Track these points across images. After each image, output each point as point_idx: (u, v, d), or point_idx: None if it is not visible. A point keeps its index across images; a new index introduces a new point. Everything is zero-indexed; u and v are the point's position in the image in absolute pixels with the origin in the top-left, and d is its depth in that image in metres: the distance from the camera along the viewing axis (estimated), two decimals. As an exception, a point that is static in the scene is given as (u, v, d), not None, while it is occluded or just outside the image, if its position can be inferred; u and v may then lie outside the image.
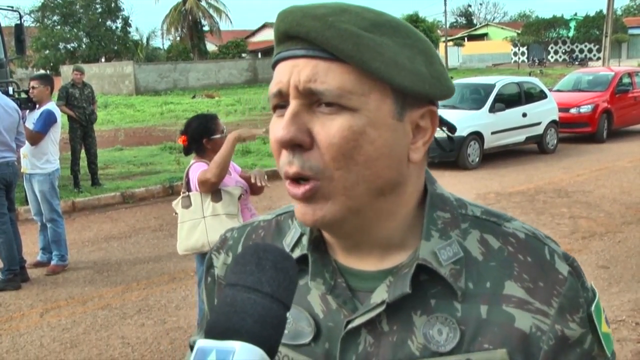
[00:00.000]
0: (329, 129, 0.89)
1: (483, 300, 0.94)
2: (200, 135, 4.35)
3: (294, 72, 0.90)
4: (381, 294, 0.95)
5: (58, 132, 7.42)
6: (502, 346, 0.92)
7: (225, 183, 4.33)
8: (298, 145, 0.90)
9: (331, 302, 0.99)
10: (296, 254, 1.03)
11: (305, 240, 1.03)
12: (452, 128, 1.09)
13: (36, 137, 7.10)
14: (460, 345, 0.93)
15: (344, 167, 0.89)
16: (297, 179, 0.92)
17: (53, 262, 7.27)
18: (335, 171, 0.90)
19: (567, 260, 0.97)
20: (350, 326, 0.95)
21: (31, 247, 7.86)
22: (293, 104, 0.90)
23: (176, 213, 4.47)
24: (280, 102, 0.93)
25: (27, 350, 5.29)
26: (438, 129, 1.03)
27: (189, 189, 4.37)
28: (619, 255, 7.21)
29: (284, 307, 0.79)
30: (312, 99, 0.90)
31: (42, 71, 41.97)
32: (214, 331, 0.76)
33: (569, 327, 0.93)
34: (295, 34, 0.90)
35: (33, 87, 7.35)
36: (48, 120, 7.17)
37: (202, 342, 0.75)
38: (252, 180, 4.35)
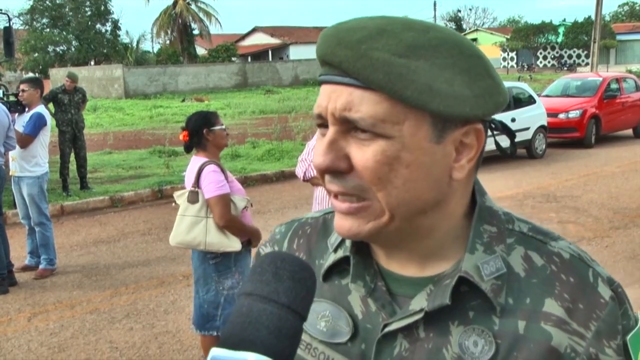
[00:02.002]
0: (364, 154, 0.90)
1: (522, 315, 0.94)
2: (200, 126, 4.32)
3: (331, 98, 0.92)
4: (420, 302, 0.96)
5: (47, 136, 7.39)
6: None
7: (233, 187, 4.33)
8: (336, 171, 0.92)
9: (371, 305, 1.00)
10: (339, 254, 1.05)
11: (348, 242, 1.04)
12: (511, 134, 1.09)
13: (26, 140, 7.07)
14: (494, 358, 0.93)
15: (383, 189, 0.91)
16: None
17: (41, 266, 7.23)
18: (377, 193, 0.91)
19: (612, 285, 0.97)
20: (387, 330, 0.97)
21: (19, 250, 7.83)
22: (331, 130, 0.93)
23: (176, 203, 4.44)
24: (322, 123, 0.95)
25: (15, 355, 5.26)
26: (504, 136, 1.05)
27: (198, 185, 4.31)
28: (606, 260, 7.23)
29: (300, 318, 0.78)
30: (348, 126, 0.91)
31: (31, 74, 41.80)
32: (228, 341, 0.75)
33: (605, 353, 0.93)
34: (330, 62, 0.92)
35: (23, 90, 7.32)
36: (38, 123, 7.14)
37: (216, 352, 0.75)
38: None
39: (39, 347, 5.38)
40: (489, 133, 1.02)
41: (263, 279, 0.79)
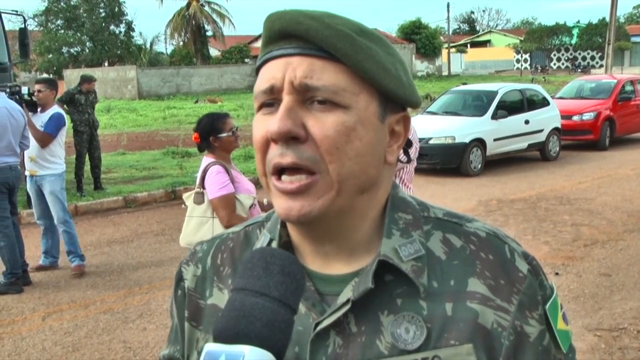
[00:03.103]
0: (324, 122, 0.92)
1: (448, 297, 0.97)
2: (208, 133, 4.39)
3: (288, 69, 0.93)
4: (347, 294, 0.97)
5: (64, 136, 7.47)
6: (468, 341, 0.95)
7: (240, 187, 4.36)
8: (293, 138, 0.92)
9: (300, 307, 0.99)
10: None
11: (274, 245, 1.04)
12: (407, 142, 1.11)
13: (47, 139, 7.17)
14: (427, 342, 0.95)
15: (337, 160, 0.92)
16: (281, 174, 0.94)
17: (75, 263, 7.27)
18: (330, 164, 0.92)
19: (527, 258, 1.01)
20: (319, 328, 0.97)
21: (33, 250, 7.87)
22: (287, 99, 0.93)
23: (185, 205, 4.50)
24: (269, 99, 0.95)
25: (29, 354, 5.29)
26: None
27: (203, 186, 4.37)
28: (620, 263, 7.20)
29: (291, 310, 0.80)
30: (305, 96, 0.93)
31: (45, 75, 42.00)
32: (222, 335, 0.77)
33: (528, 324, 0.97)
34: (293, 32, 0.93)
35: (39, 91, 7.38)
36: (59, 124, 7.25)
37: (210, 347, 0.76)
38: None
39: (53, 346, 5.42)
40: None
41: (254, 274, 0.81)
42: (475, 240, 1.01)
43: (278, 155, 0.93)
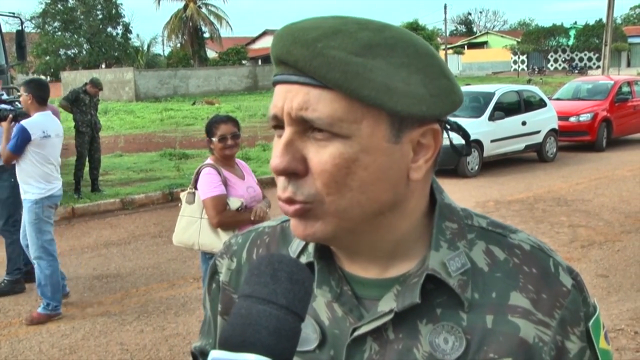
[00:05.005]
0: (321, 156, 0.89)
1: (489, 310, 0.95)
2: (206, 133, 4.55)
3: (287, 97, 0.90)
4: (389, 303, 0.95)
5: (48, 151, 5.90)
6: (508, 355, 0.93)
7: (232, 192, 4.41)
8: (292, 173, 0.91)
9: (337, 310, 0.99)
10: (302, 260, 1.03)
11: (311, 247, 1.03)
12: (466, 135, 1.07)
13: (8, 157, 5.84)
14: (466, 354, 0.93)
15: (336, 192, 0.90)
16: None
17: (38, 309, 6.01)
18: (327, 196, 0.90)
19: (571, 274, 0.99)
20: (356, 333, 0.96)
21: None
22: (287, 131, 0.91)
23: (181, 204, 4.63)
24: (278, 124, 0.94)
25: (26, 356, 5.28)
26: (454, 134, 1.02)
27: (196, 187, 4.45)
28: (618, 264, 7.21)
29: (298, 318, 0.79)
30: (305, 126, 0.90)
31: (42, 77, 41.91)
32: (228, 343, 0.75)
33: (570, 340, 0.95)
34: (285, 62, 0.90)
35: (19, 96, 6.09)
36: (18, 138, 5.74)
37: (216, 354, 0.75)
38: (252, 217, 4.38)
39: (50, 348, 5.41)
40: (444, 134, 1.00)
41: (261, 280, 0.79)
42: (519, 254, 0.99)
43: (282, 188, 0.92)
